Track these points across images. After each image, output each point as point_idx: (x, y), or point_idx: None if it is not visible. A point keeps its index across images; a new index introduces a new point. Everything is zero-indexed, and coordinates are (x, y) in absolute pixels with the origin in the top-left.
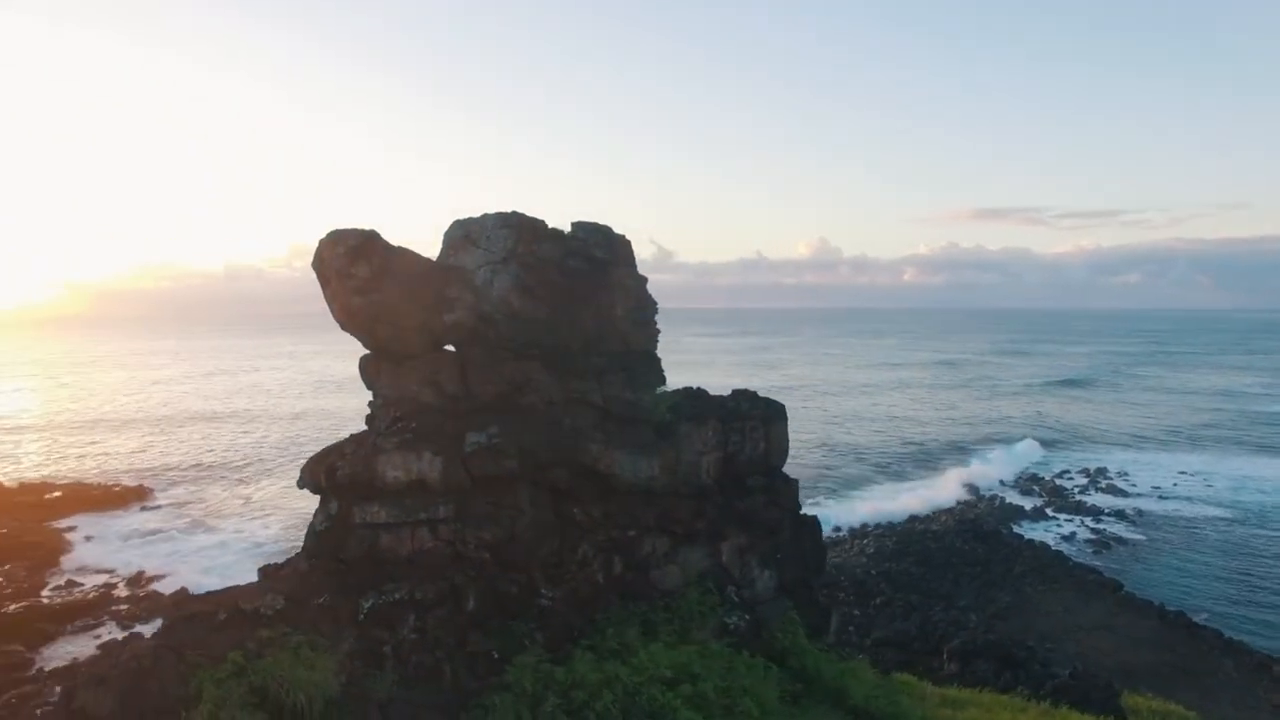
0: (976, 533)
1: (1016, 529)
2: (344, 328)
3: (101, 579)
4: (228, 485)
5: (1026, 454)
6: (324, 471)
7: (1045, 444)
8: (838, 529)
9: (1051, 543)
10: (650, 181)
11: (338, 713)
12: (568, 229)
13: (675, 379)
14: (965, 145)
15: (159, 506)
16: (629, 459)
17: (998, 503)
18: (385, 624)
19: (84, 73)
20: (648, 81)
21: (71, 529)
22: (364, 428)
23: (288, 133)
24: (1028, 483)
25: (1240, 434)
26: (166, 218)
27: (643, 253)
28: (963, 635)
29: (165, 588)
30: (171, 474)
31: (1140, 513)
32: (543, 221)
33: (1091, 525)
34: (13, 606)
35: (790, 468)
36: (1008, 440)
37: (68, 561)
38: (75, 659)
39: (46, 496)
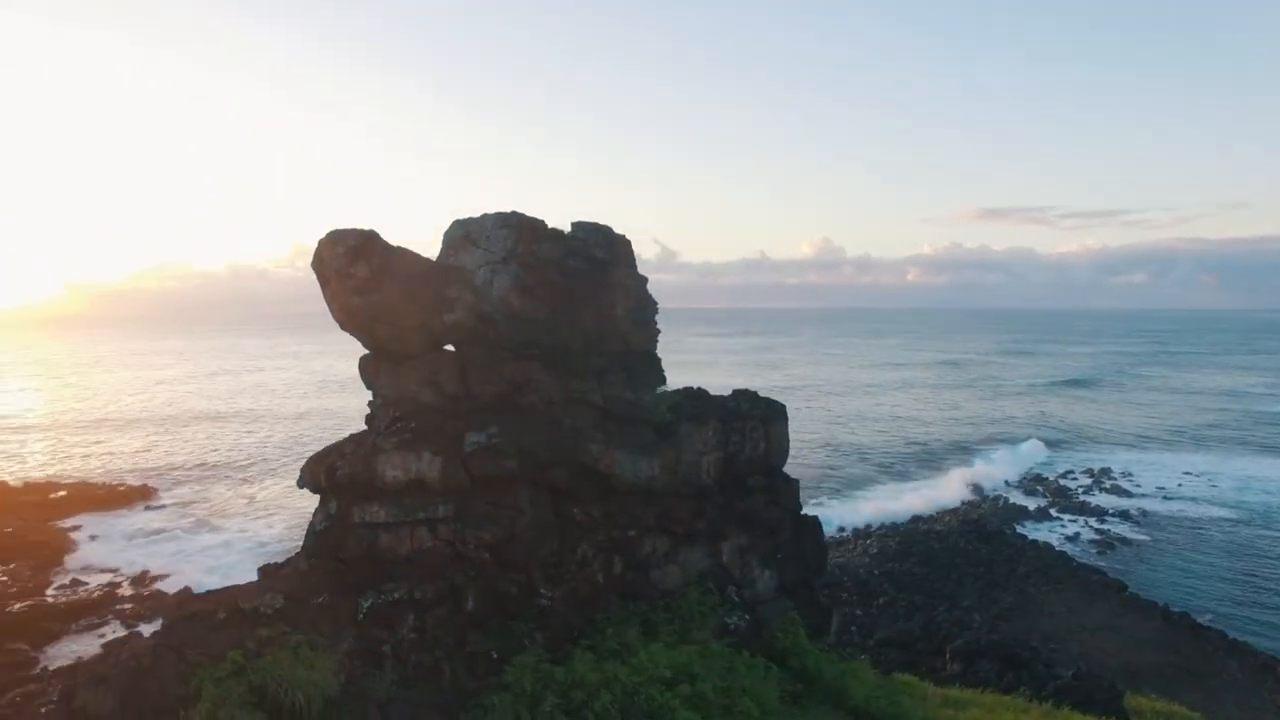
0: (980, 533)
1: (1020, 529)
2: (344, 328)
3: (106, 578)
4: (232, 485)
5: (1030, 454)
6: (324, 471)
7: (1049, 444)
8: (841, 529)
9: (1055, 543)
10: (653, 182)
11: (337, 712)
12: (569, 229)
13: (678, 379)
14: (969, 145)
15: (163, 506)
16: (629, 459)
17: (1001, 503)
18: (384, 623)
19: (84, 73)
20: (650, 81)
21: (76, 528)
22: (366, 428)
23: (288, 132)
24: (1031, 483)
25: (1245, 434)
26: (169, 218)
27: (646, 253)
28: (966, 635)
29: (169, 587)
30: (176, 474)
31: (1144, 513)
32: (542, 221)
33: (1096, 526)
34: (17, 605)
35: (793, 468)
36: (1011, 440)
37: (72, 561)
38: (79, 658)
39: (51, 496)
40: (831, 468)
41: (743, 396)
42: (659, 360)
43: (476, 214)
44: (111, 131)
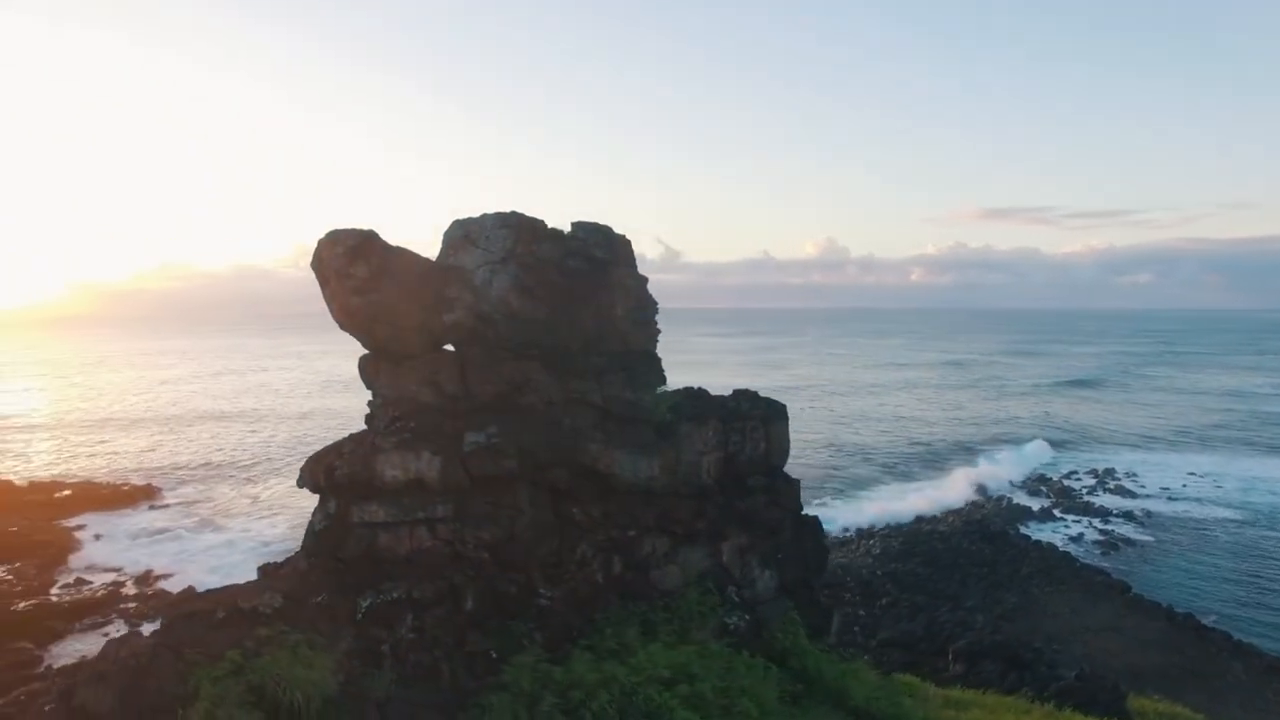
0: (984, 533)
1: (1024, 530)
2: (343, 328)
3: (110, 577)
4: (235, 484)
5: (1034, 454)
6: (323, 471)
7: (1053, 444)
8: (845, 530)
9: (1059, 544)
10: (657, 182)
11: (335, 711)
12: (569, 229)
13: (682, 379)
14: (973, 145)
15: (167, 505)
16: (629, 459)
17: (1005, 503)
18: (383, 623)
19: (84, 73)
20: (652, 81)
21: (81, 527)
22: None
23: (289, 132)
24: (1035, 483)
25: (1250, 435)
26: (171, 218)
27: (650, 253)
28: (969, 636)
29: (172, 586)
30: (180, 473)
31: (1149, 514)
32: (542, 221)
33: (1100, 526)
34: (22, 604)
35: (797, 468)
36: (1015, 441)
37: (76, 560)
38: (83, 657)
39: (56, 495)
40: (835, 468)
41: (743, 396)
42: (659, 360)
43: (477, 214)
44: (113, 131)
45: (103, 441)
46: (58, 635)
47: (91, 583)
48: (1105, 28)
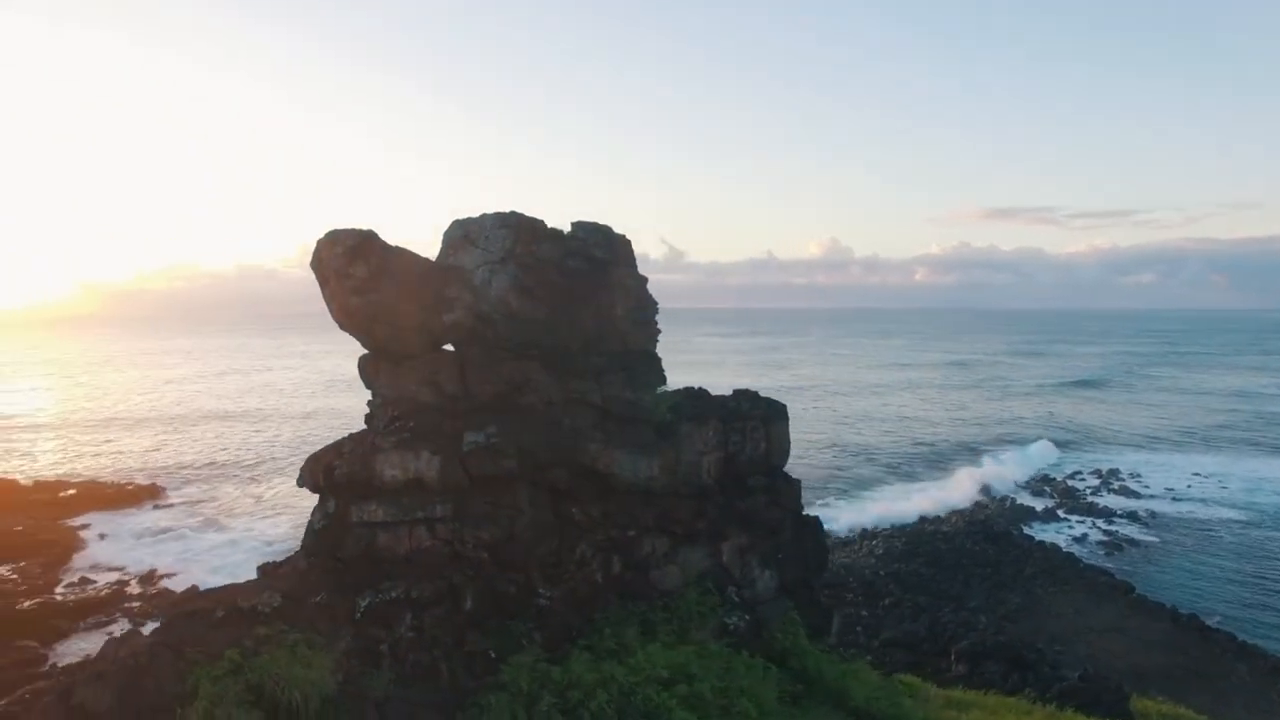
0: (987, 534)
1: (1027, 530)
2: (343, 328)
3: (114, 576)
4: (239, 484)
5: (1038, 455)
6: (322, 470)
7: (1057, 445)
8: (849, 530)
9: (1063, 544)
10: (661, 182)
11: (334, 711)
12: (569, 229)
13: (686, 379)
14: (976, 145)
15: (171, 505)
16: (628, 459)
17: (1009, 504)
18: (382, 622)
19: (87, 72)
20: (656, 82)
21: (85, 527)
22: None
23: (293, 132)
24: (1039, 484)
25: (1255, 435)
26: (176, 219)
27: (653, 253)
28: (972, 637)
29: (176, 586)
30: (184, 472)
31: (1153, 514)
32: (542, 221)
33: (1103, 527)
34: (27, 603)
35: (800, 468)
36: (1019, 441)
37: (81, 559)
38: (87, 656)
39: (61, 494)
40: (839, 468)
41: (743, 396)
42: (659, 360)
43: (478, 214)
44: (117, 132)
45: (108, 441)
46: (62, 634)
47: (96, 582)
48: (1108, 27)
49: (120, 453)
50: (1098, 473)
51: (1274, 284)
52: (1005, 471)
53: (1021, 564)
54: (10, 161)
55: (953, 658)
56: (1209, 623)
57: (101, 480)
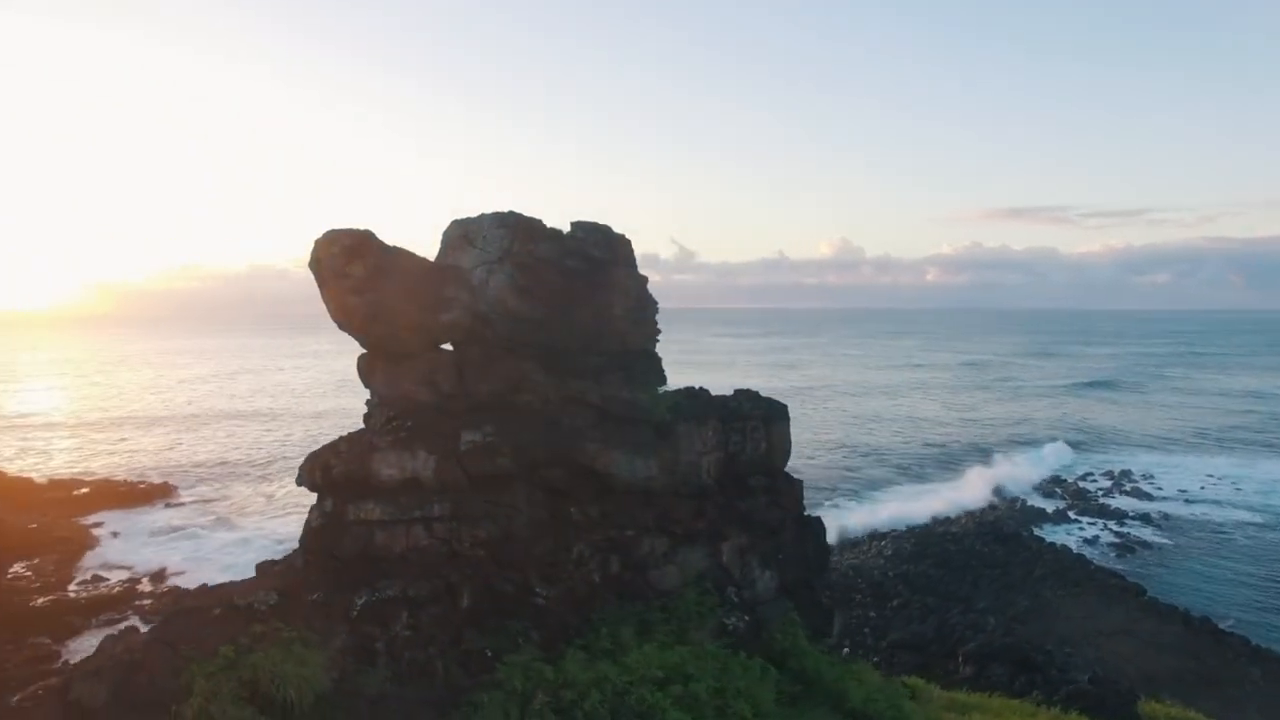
0: (997, 535)
1: (1038, 531)
2: (341, 327)
3: (126, 574)
4: (251, 483)
5: (1050, 456)
6: (320, 469)
7: (1069, 446)
8: (860, 531)
9: (1073, 546)
10: (672, 182)
11: (328, 708)
12: (569, 229)
13: (696, 379)
14: (987, 145)
15: (183, 504)
16: (626, 459)
17: (1019, 505)
18: (378, 621)
19: (88, 72)
20: (668, 81)
21: (99, 525)
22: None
23: (300, 131)
24: (1050, 485)
25: (1271, 437)
26: (188, 219)
27: (664, 253)
28: (979, 639)
29: (187, 584)
30: (196, 472)
31: (1166, 516)
32: (540, 221)
33: (1115, 529)
34: (41, 600)
35: (811, 469)
36: (1031, 442)
37: (94, 556)
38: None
39: (75, 493)
40: (850, 469)
41: (744, 396)
42: (659, 359)
43: (479, 214)
44: (121, 132)
45: (121, 440)
46: (75, 630)
47: (108, 579)
48: (1123, 25)
49: (134, 452)
50: (1110, 474)
51: None
52: (1017, 472)
53: (1031, 566)
54: (23, 163)
55: (960, 659)
56: (1222, 626)
57: (115, 479)
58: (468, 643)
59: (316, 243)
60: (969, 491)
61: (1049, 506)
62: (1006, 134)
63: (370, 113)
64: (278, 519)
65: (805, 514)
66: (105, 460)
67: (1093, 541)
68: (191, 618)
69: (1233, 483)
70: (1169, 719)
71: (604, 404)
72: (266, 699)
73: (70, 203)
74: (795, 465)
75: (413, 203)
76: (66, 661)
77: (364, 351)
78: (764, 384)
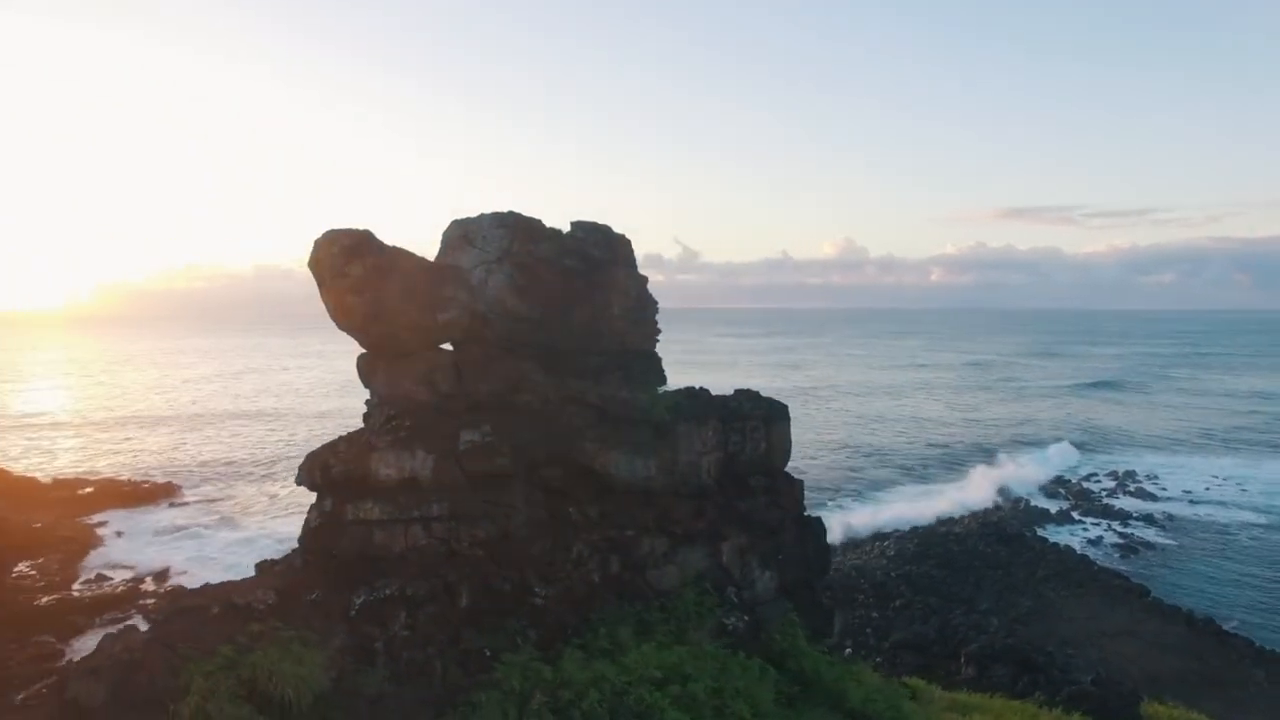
0: (1000, 535)
1: (1041, 532)
2: (340, 327)
3: (130, 573)
4: (255, 482)
5: (1054, 456)
6: (319, 469)
7: (1074, 446)
8: (864, 531)
9: (1077, 546)
10: (675, 183)
11: (326, 707)
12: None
13: (698, 379)
14: (991, 145)
15: (187, 503)
16: (625, 458)
17: (1023, 505)
18: (377, 620)
19: (88, 72)
20: (668, 81)
21: (103, 524)
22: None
23: (306, 133)
24: (1054, 485)
25: (1277, 438)
26: (193, 219)
27: (668, 253)
28: (981, 639)
29: (190, 583)
30: (201, 471)
31: (1170, 517)
32: (539, 221)
33: (1119, 529)
34: (45, 599)
35: (815, 469)
36: (1035, 443)
37: (98, 556)
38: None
39: (80, 492)
40: (853, 469)
41: (744, 396)
42: (659, 359)
43: (479, 214)
44: (135, 133)
45: (126, 439)
46: (79, 630)
47: (112, 579)
48: (1123, 25)
49: (138, 451)
50: (1114, 475)
51: None
52: (1021, 473)
53: (1034, 566)
54: (24, 163)
55: (962, 660)
56: (1226, 627)
57: (119, 478)
58: (466, 642)
59: (316, 243)
60: (973, 492)
61: (1053, 507)
62: (1008, 134)
63: (370, 113)
64: (281, 519)
65: (805, 514)
66: (110, 460)
67: (1096, 542)
68: (190, 617)
69: (1238, 483)
70: None
71: (603, 404)
72: (265, 698)
73: (73, 203)
74: (799, 465)
75: (413, 203)
76: (70, 661)
77: (364, 351)
78: (767, 384)
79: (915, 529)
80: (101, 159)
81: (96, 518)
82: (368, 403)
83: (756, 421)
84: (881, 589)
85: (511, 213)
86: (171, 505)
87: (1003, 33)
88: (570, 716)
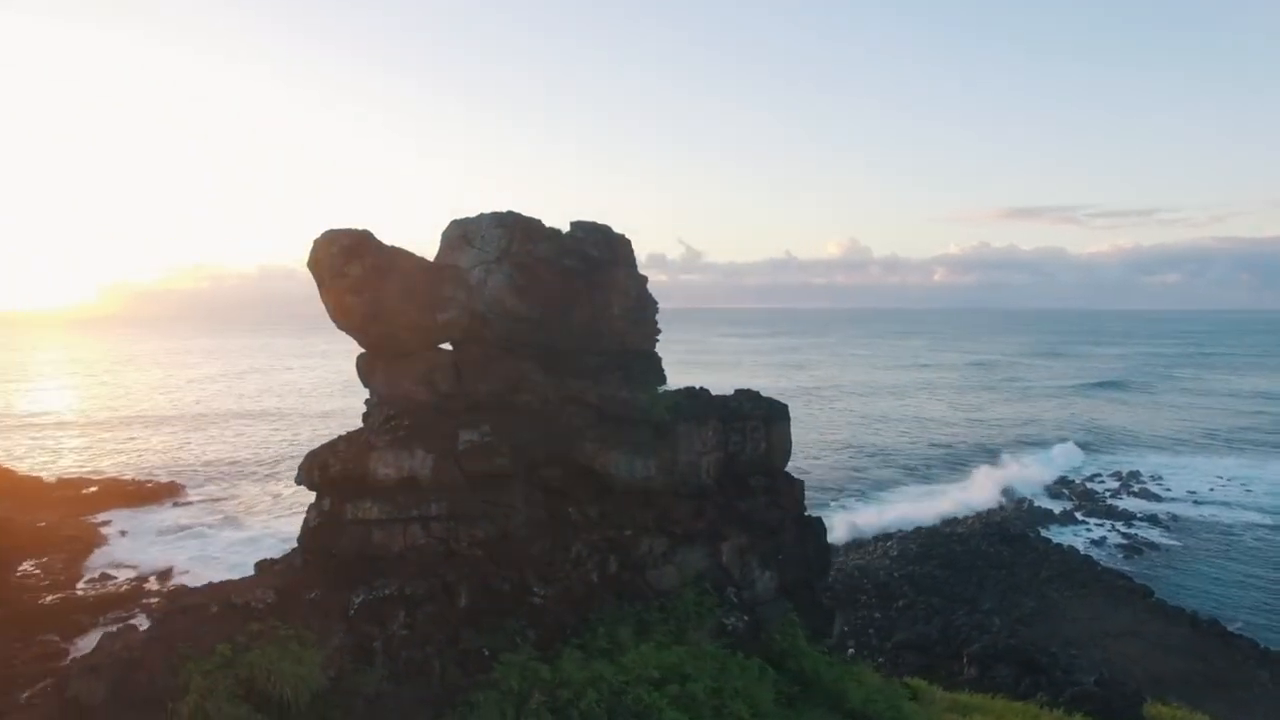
0: (1003, 536)
1: (1045, 532)
2: (339, 327)
3: (134, 573)
4: (258, 482)
5: (1057, 457)
6: (318, 468)
7: (1078, 446)
8: (867, 531)
9: (1080, 547)
10: (679, 183)
11: (325, 707)
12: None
13: (701, 379)
14: (995, 144)
15: (191, 503)
16: (625, 458)
17: (1026, 506)
18: (375, 619)
19: (88, 72)
20: (668, 81)
21: (107, 523)
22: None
23: (306, 133)
24: (1058, 486)
25: None
26: (193, 219)
27: (672, 253)
28: (984, 640)
29: (194, 582)
30: (204, 471)
31: (1174, 518)
32: (539, 221)
33: (1123, 530)
34: (49, 598)
35: (818, 469)
36: (1038, 443)
37: (102, 555)
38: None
39: (84, 491)
40: (856, 469)
41: (744, 396)
42: (659, 359)
43: (478, 214)
44: (136, 133)
45: (130, 439)
46: (83, 629)
47: (116, 578)
48: (1123, 25)
49: (142, 451)
50: (1118, 475)
51: None
52: (1025, 473)
53: (1037, 567)
54: (26, 163)
55: (965, 661)
56: (1230, 628)
57: (123, 478)
58: (465, 642)
59: (315, 243)
60: (976, 492)
61: (1056, 507)
62: (1009, 134)
63: (370, 113)
64: (285, 518)
65: (806, 514)
66: (114, 459)
67: (1100, 543)
68: (190, 616)
69: (1242, 484)
70: None
71: (602, 404)
72: (263, 697)
73: (75, 203)
74: (802, 465)
75: (413, 203)
76: (74, 660)
77: (363, 351)
78: (771, 384)
79: (918, 529)
80: (102, 159)
81: (100, 517)
82: (367, 402)
83: (756, 421)
84: (884, 589)
85: (511, 213)
86: (175, 505)
87: (1003, 33)
88: (568, 716)
